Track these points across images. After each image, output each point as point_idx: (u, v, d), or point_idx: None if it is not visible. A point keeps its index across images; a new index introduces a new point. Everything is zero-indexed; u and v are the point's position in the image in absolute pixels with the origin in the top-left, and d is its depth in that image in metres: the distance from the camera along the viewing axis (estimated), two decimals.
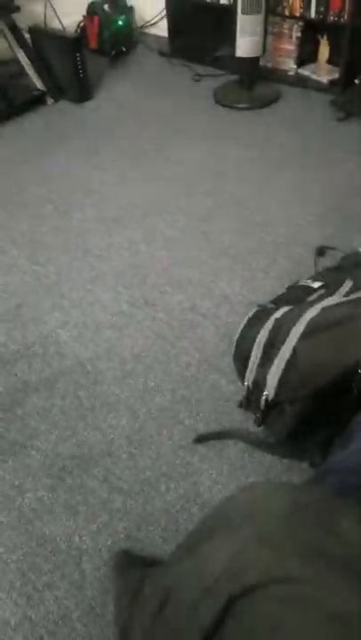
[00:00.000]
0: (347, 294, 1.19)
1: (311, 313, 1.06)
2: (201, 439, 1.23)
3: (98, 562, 1.04)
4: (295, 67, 2.68)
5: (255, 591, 0.44)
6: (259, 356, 1.13)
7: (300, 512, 0.51)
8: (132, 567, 0.99)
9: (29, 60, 2.55)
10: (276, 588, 0.44)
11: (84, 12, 2.99)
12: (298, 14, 2.46)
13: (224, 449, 1.21)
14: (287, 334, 1.06)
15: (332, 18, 2.36)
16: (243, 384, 1.20)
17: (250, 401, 1.21)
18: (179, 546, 0.67)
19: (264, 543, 0.47)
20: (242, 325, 1.23)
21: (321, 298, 1.18)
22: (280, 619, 0.43)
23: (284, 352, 1.05)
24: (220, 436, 1.23)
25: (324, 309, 1.07)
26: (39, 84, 2.61)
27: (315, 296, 1.22)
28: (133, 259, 1.73)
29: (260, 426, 1.19)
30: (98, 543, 1.07)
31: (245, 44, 2.35)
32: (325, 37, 2.62)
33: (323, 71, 2.63)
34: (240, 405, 1.25)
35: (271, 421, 1.16)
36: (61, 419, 1.29)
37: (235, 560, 0.47)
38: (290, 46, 2.64)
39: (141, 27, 3.23)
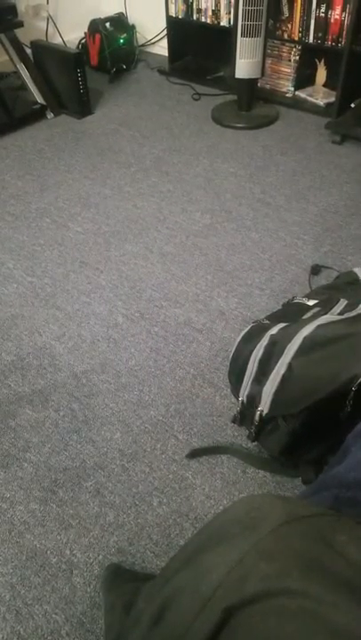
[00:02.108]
0: (341, 313, 1.20)
1: (307, 330, 1.07)
2: (194, 454, 1.23)
3: (89, 576, 1.04)
4: (293, 89, 2.73)
5: (254, 603, 0.44)
6: (254, 371, 1.13)
7: (296, 524, 0.52)
8: (123, 582, 0.99)
9: (30, 74, 2.58)
10: (275, 600, 0.44)
11: (86, 29, 3.04)
12: (296, 38, 2.52)
13: (217, 464, 1.21)
14: (283, 350, 1.07)
15: (329, 43, 2.42)
16: (237, 399, 1.21)
17: (244, 416, 1.21)
18: (172, 559, 0.66)
19: (262, 555, 0.48)
20: (237, 341, 1.24)
21: (316, 316, 1.19)
22: (279, 632, 0.43)
23: (280, 368, 1.06)
24: (213, 451, 1.23)
25: (319, 327, 1.08)
26: (39, 98, 2.64)
27: (310, 314, 1.23)
28: (130, 272, 1.73)
29: (253, 441, 1.20)
30: (89, 557, 1.06)
31: (244, 66, 2.39)
32: (323, 62, 2.68)
33: (320, 94, 2.68)
34: (234, 421, 1.25)
35: (265, 437, 1.17)
36: (54, 431, 1.29)
37: (233, 571, 0.47)
38: (288, 69, 2.69)
39: (142, 45, 3.28)
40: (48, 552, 1.07)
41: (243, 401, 1.18)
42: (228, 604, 0.45)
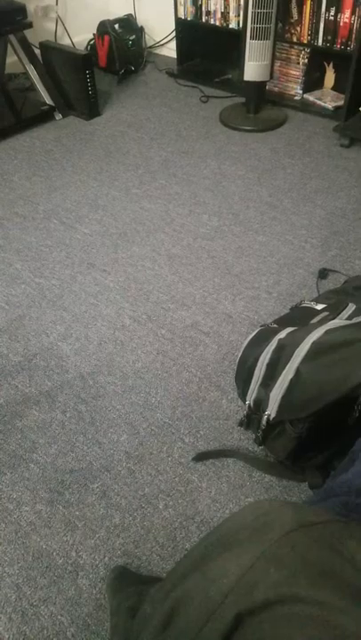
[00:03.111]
0: (350, 317, 1.20)
1: (315, 335, 1.07)
2: (200, 457, 1.23)
3: (94, 578, 1.04)
4: (301, 92, 2.73)
5: (264, 610, 0.44)
6: (261, 375, 1.13)
7: (306, 531, 0.52)
8: (129, 584, 0.99)
9: (39, 75, 2.59)
10: (285, 607, 0.44)
11: (95, 31, 3.05)
12: (305, 41, 2.52)
13: (223, 467, 1.21)
14: (291, 355, 1.07)
15: (338, 46, 2.41)
16: (244, 403, 1.21)
17: (250, 420, 1.21)
18: (179, 563, 0.66)
19: (272, 561, 0.48)
20: (245, 344, 1.24)
21: (324, 320, 1.19)
22: (289, 639, 0.43)
23: (288, 372, 1.06)
24: (219, 454, 1.23)
25: (327, 332, 1.08)
26: (48, 99, 2.65)
27: (318, 318, 1.23)
28: (137, 274, 1.74)
29: (260, 445, 1.20)
30: (95, 559, 1.06)
31: (253, 69, 2.39)
32: (331, 65, 2.68)
33: (328, 97, 2.68)
34: (240, 424, 1.25)
35: (271, 441, 1.17)
36: (61, 432, 1.29)
37: (243, 577, 0.47)
38: (296, 72, 2.69)
39: (151, 47, 3.29)
40: (54, 553, 1.08)
41: (250, 405, 1.18)
42: (238, 610, 0.45)
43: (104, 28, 2.99)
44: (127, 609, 0.90)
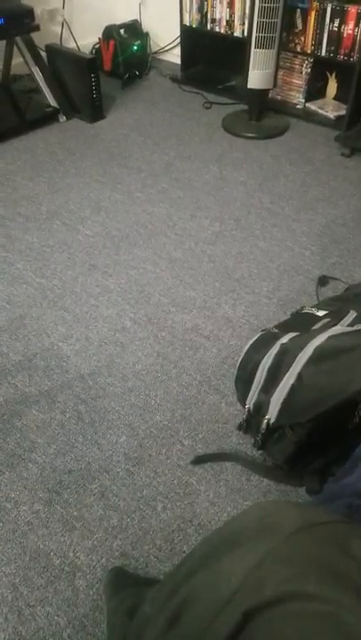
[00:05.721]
0: (351, 324, 1.21)
1: (318, 340, 1.08)
2: (199, 460, 1.23)
3: (91, 579, 1.04)
4: (303, 101, 2.75)
5: (272, 606, 0.45)
6: (262, 379, 1.14)
7: (311, 530, 0.52)
8: (126, 585, 0.99)
9: (44, 77, 2.60)
10: (293, 604, 0.45)
11: (100, 35, 3.06)
12: (309, 51, 2.54)
13: (222, 471, 1.21)
14: (293, 359, 1.07)
15: (341, 57, 2.44)
16: (243, 407, 1.21)
17: (250, 424, 1.21)
18: (180, 564, 0.66)
19: (279, 559, 0.48)
20: (246, 348, 1.24)
21: (326, 326, 1.19)
22: (297, 635, 0.43)
23: (290, 377, 1.07)
24: (218, 457, 1.24)
25: (330, 338, 1.09)
26: (52, 102, 2.66)
27: (320, 324, 1.23)
28: (139, 277, 1.74)
29: (259, 449, 1.20)
30: (92, 560, 1.06)
31: (257, 77, 2.41)
32: (334, 75, 2.70)
33: (330, 107, 2.70)
34: (239, 428, 1.26)
35: (270, 445, 1.17)
36: (60, 432, 1.29)
37: (250, 575, 0.47)
38: (299, 81, 2.71)
39: (155, 52, 3.31)
40: (51, 553, 1.07)
41: (249, 409, 1.18)
42: (247, 608, 0.45)
43: (109, 32, 3.01)
44: (125, 610, 0.90)
